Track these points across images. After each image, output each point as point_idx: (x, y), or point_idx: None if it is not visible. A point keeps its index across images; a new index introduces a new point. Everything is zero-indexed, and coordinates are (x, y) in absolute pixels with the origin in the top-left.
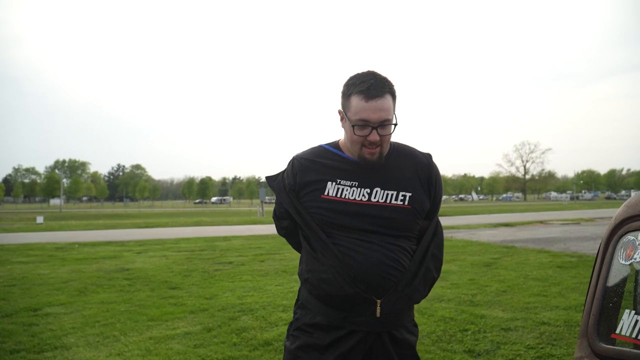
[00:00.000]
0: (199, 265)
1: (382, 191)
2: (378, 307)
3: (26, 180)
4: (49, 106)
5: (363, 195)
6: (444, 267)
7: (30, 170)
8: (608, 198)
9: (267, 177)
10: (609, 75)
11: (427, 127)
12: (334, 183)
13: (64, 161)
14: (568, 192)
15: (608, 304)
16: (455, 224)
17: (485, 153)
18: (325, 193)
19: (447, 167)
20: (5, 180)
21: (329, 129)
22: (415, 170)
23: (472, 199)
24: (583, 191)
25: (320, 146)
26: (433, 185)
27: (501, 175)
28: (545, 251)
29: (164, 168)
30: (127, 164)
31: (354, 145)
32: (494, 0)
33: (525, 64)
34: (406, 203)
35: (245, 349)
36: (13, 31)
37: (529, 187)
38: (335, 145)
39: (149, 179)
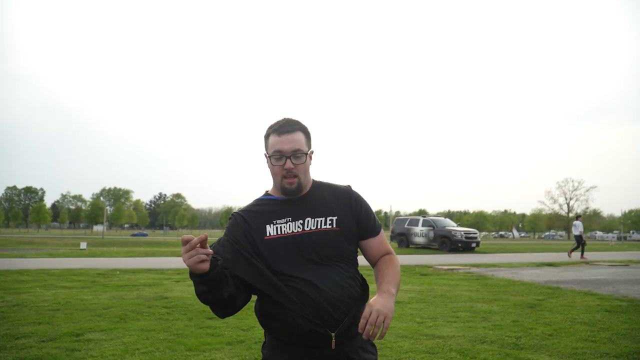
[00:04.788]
0: None
1: (313, 219)
2: (333, 340)
3: (72, 207)
4: (98, 136)
5: (297, 227)
6: (486, 306)
7: (77, 197)
8: None
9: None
10: None
11: (466, 162)
12: (271, 224)
13: (109, 189)
14: (615, 231)
15: None
16: (496, 261)
17: (526, 189)
18: (267, 234)
19: (487, 202)
20: (53, 206)
21: (362, 157)
22: (337, 198)
23: (513, 236)
24: (631, 231)
25: (256, 198)
26: (354, 206)
27: (544, 213)
28: (592, 294)
29: (203, 198)
30: (169, 192)
31: (275, 177)
32: (538, 33)
33: (570, 99)
34: (334, 225)
35: None
36: (63, 66)
37: (572, 226)
38: (266, 193)
39: (188, 208)
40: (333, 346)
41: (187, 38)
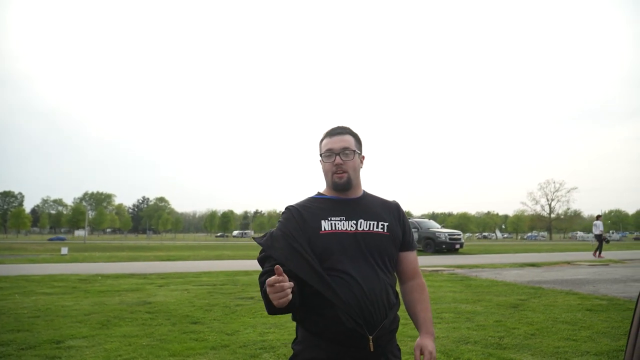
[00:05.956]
0: (220, 299)
1: (366, 221)
2: (371, 343)
3: (53, 212)
4: (80, 139)
5: (351, 225)
6: (469, 307)
7: (58, 202)
8: (637, 239)
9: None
10: (638, 114)
11: (450, 164)
12: (326, 220)
13: (91, 193)
14: None
15: None
16: (480, 262)
17: (509, 191)
18: (322, 229)
19: (470, 204)
20: (33, 211)
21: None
22: (386, 208)
23: (496, 237)
24: (611, 231)
25: (309, 197)
26: (401, 219)
27: (526, 214)
28: (573, 293)
29: (187, 201)
30: (152, 196)
31: (327, 175)
32: (520, 38)
33: (552, 101)
34: (385, 230)
35: None
36: (46, 68)
37: (554, 227)
38: (318, 193)
39: (172, 212)
40: (371, 349)
41: (171, 41)
